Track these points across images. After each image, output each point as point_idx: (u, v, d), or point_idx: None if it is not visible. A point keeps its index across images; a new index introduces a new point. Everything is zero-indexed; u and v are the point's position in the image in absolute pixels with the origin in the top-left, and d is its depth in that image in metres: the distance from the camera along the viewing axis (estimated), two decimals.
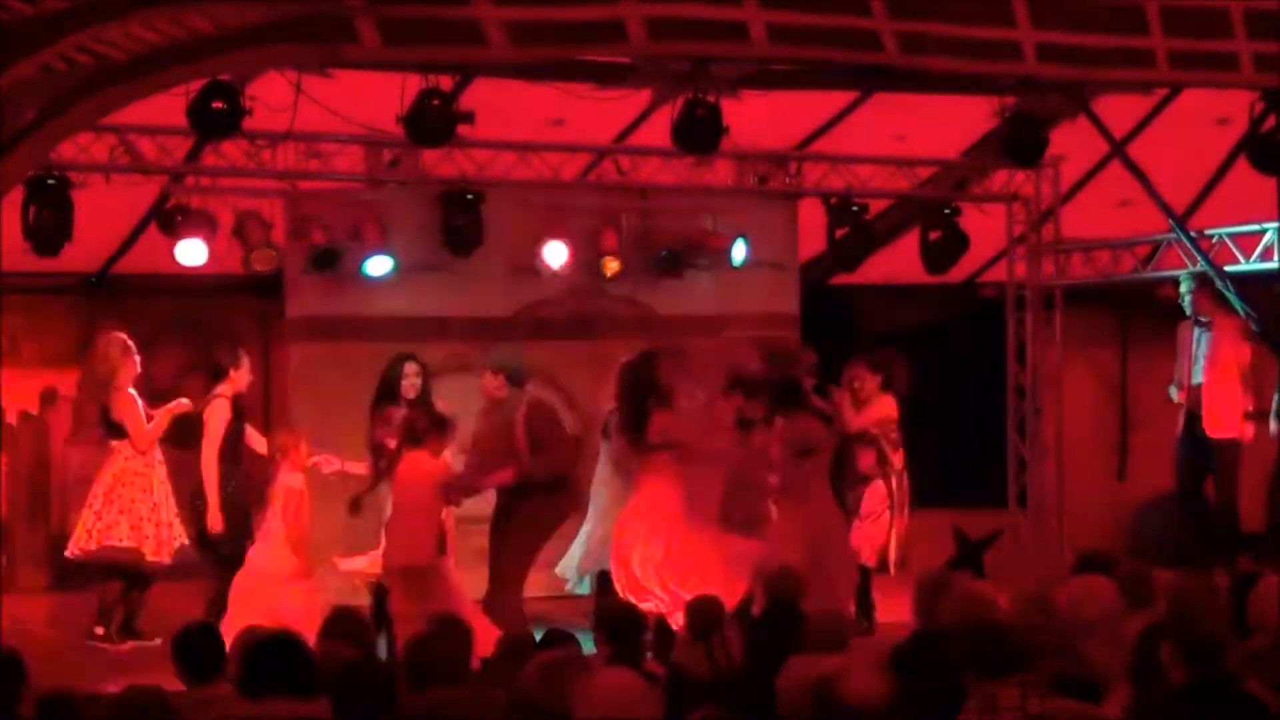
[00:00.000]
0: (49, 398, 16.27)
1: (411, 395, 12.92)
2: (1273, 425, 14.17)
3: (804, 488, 12.53)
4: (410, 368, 13.05)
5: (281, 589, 11.71)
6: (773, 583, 9.62)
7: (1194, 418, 14.37)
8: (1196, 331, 14.33)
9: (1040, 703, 6.47)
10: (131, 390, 13.29)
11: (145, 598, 13.24)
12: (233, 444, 12.75)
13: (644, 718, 5.43)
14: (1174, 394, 14.66)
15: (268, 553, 11.96)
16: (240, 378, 12.88)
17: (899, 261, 16.42)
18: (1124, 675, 6.73)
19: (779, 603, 9.31)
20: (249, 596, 11.68)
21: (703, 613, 8.96)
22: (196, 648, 7.39)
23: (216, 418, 12.68)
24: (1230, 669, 6.21)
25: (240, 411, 12.94)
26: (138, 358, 13.37)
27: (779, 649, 8.05)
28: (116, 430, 13.25)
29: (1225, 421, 14.19)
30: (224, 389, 12.78)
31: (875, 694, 5.23)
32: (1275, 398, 14.17)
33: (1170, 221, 14.53)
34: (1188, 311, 14.34)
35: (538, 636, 8.41)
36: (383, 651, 10.57)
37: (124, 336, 13.43)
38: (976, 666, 6.74)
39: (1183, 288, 14.44)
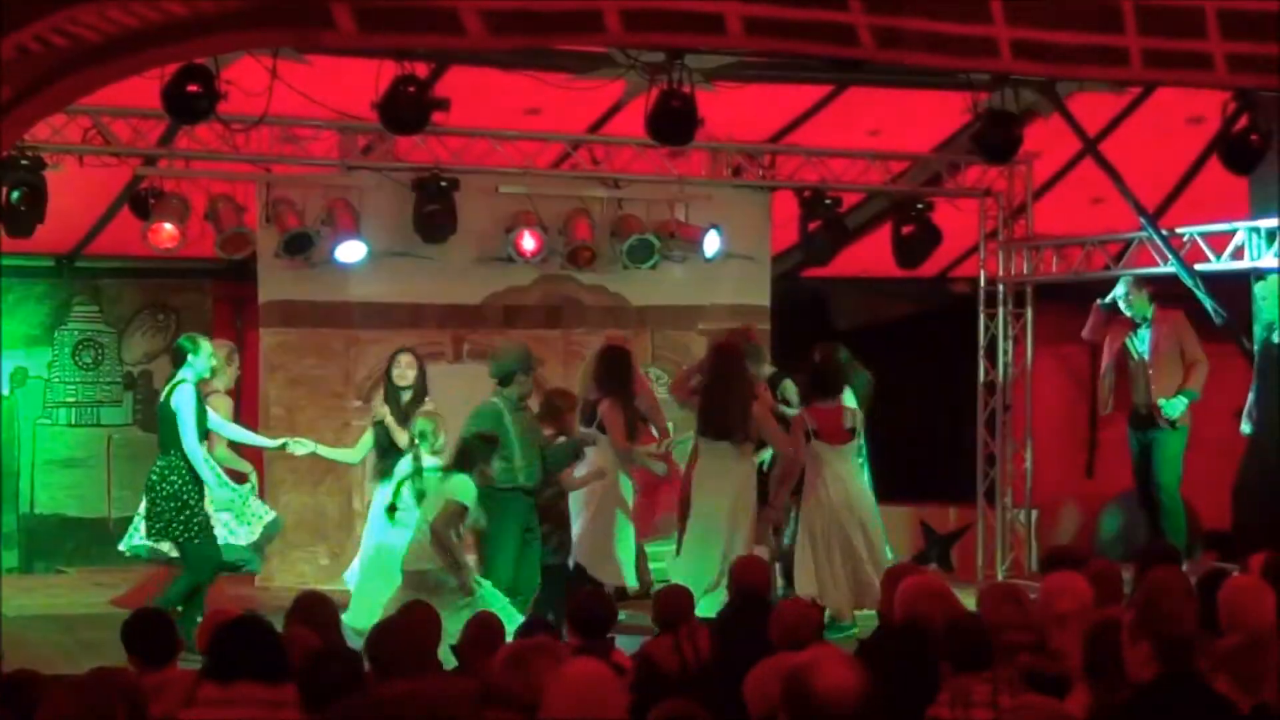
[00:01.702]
0: (19, 377, 16.25)
1: (403, 384, 12.86)
2: (1243, 425, 14.21)
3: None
4: (403, 358, 13.00)
5: None
6: (740, 574, 9.62)
7: (1139, 414, 14.43)
8: (1139, 332, 14.41)
9: (1012, 697, 6.50)
10: (227, 397, 13.24)
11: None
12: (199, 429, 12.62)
13: (610, 709, 5.42)
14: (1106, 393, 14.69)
15: None
16: (201, 363, 12.67)
17: (871, 255, 16.45)
18: (1079, 672, 6.76)
19: (746, 594, 9.32)
20: None
21: (670, 604, 8.96)
22: (149, 632, 7.39)
23: (185, 404, 12.50)
24: (1201, 667, 6.23)
25: (201, 397, 12.77)
26: (235, 367, 13.35)
27: (746, 641, 8.07)
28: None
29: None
30: (186, 374, 12.58)
31: (846, 686, 5.23)
32: (1249, 398, 14.20)
33: (1142, 220, 14.58)
34: (1126, 313, 14.38)
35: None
36: None
37: (231, 343, 13.40)
38: (952, 659, 6.77)
39: (1119, 290, 14.47)
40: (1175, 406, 14.08)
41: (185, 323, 16.66)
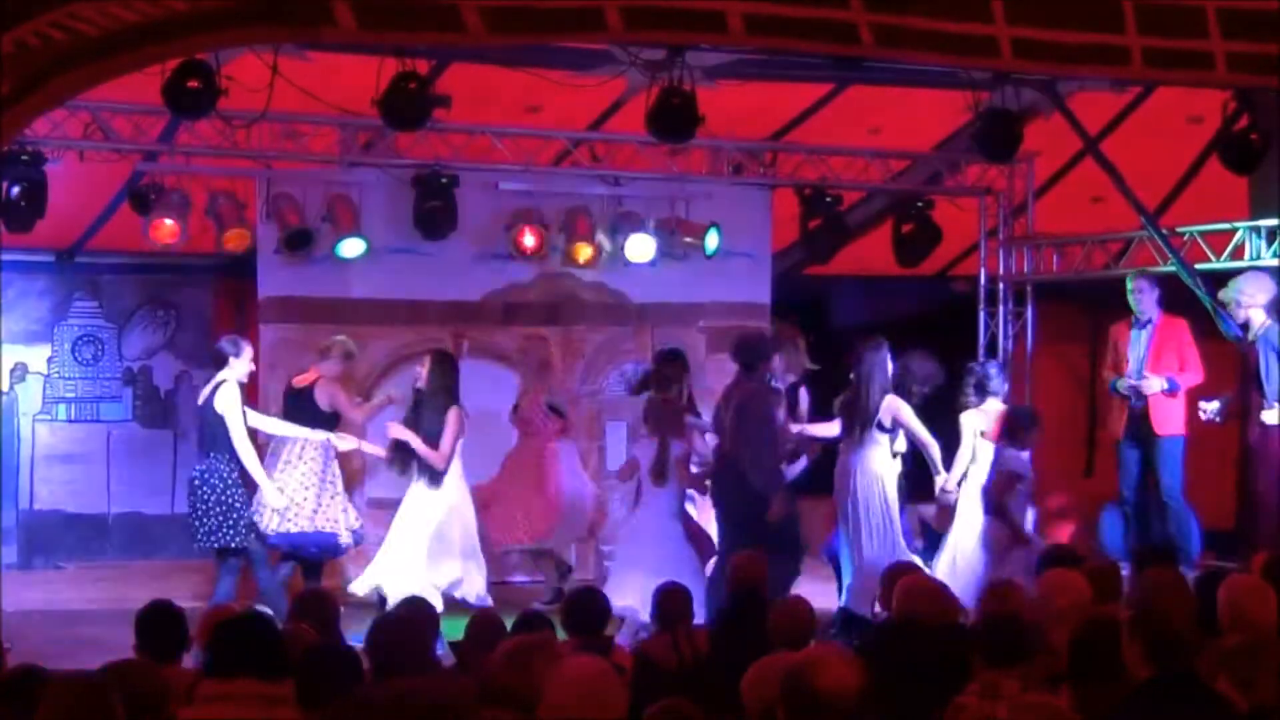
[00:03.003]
0: (19, 373, 16.25)
1: (417, 384, 12.93)
2: (1217, 417, 14.14)
3: None
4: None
5: None
6: (737, 572, 9.62)
7: (1136, 417, 14.37)
8: (1134, 332, 14.38)
9: (1038, 695, 6.49)
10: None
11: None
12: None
13: (610, 706, 5.43)
14: (1121, 387, 14.53)
15: None
16: (242, 365, 12.74)
17: (871, 254, 16.45)
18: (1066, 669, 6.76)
19: (744, 593, 9.32)
20: None
21: (669, 603, 8.96)
22: (159, 627, 7.38)
23: (233, 405, 12.58)
24: (1201, 667, 6.23)
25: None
26: (345, 365, 13.43)
27: (744, 639, 8.07)
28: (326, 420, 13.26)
29: (1171, 419, 14.22)
30: (227, 374, 12.64)
31: (846, 684, 5.24)
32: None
33: (1142, 219, 14.57)
34: (1135, 309, 14.34)
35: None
36: None
37: (351, 343, 13.46)
38: (985, 653, 6.78)
39: (1131, 285, 14.40)
40: (1154, 383, 14.06)
41: (185, 319, 16.69)
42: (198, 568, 13.88)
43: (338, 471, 13.11)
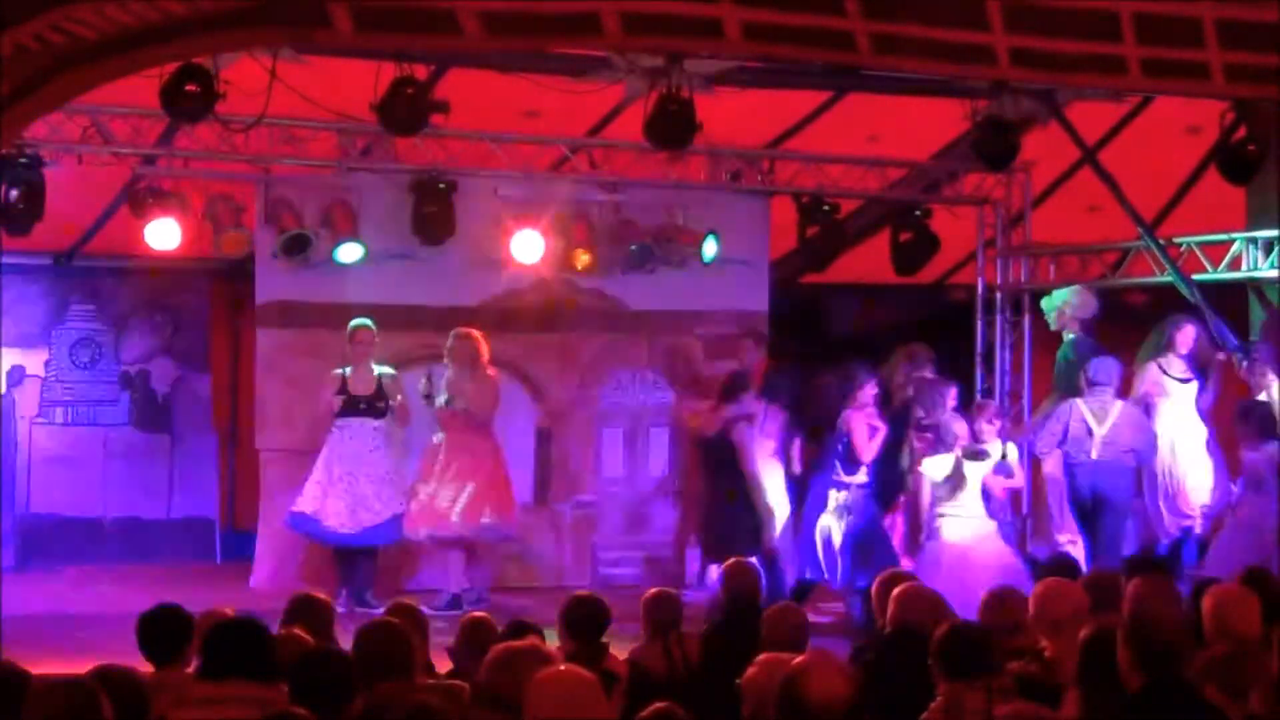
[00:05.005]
0: (16, 376, 16.24)
1: None
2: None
3: None
4: None
5: None
6: (731, 579, 9.60)
7: None
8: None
9: (1004, 706, 6.48)
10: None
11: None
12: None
13: (590, 715, 5.43)
14: None
15: None
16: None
17: (869, 262, 16.45)
18: (1073, 679, 6.74)
19: (737, 600, 9.31)
20: None
21: (661, 610, 8.94)
22: (162, 630, 7.36)
23: None
24: (1191, 676, 6.23)
25: None
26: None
27: (736, 647, 8.07)
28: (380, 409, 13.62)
29: None
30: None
31: (838, 693, 5.25)
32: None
33: (1139, 229, 14.59)
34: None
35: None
36: None
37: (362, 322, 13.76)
38: (946, 667, 6.76)
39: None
40: None
41: (183, 323, 16.67)
42: (194, 571, 13.87)
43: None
